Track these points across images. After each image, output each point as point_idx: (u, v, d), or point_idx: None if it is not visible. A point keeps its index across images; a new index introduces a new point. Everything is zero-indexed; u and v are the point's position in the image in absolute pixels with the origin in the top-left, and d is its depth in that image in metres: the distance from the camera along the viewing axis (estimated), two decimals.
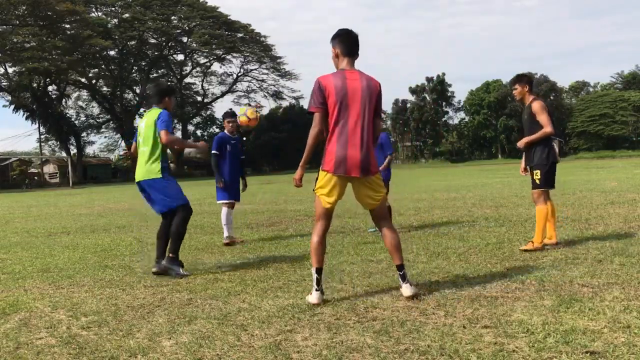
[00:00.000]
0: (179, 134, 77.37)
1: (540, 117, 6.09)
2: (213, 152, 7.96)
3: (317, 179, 4.31)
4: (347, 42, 4.36)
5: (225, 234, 7.86)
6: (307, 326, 3.70)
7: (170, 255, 5.64)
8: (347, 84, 4.20)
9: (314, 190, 4.32)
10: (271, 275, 5.45)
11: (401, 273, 4.28)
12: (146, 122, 5.78)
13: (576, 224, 7.98)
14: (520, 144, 6.25)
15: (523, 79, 6.33)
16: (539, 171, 6.14)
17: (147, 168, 5.71)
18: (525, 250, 5.97)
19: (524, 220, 8.66)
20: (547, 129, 6.07)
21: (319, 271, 4.27)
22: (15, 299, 4.98)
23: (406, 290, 4.21)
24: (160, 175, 5.68)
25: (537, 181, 6.15)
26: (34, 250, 8.21)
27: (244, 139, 76.54)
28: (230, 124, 8.12)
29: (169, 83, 63.69)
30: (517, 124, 67.29)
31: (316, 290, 4.23)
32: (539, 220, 6.08)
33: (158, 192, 5.70)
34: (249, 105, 6.85)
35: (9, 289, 5.46)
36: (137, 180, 5.81)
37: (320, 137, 4.24)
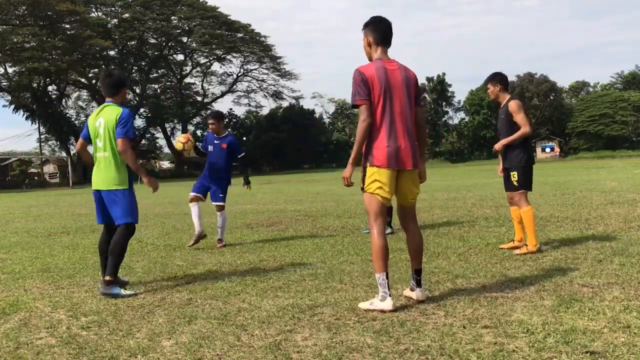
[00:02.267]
0: (178, 134, 77.37)
1: (517, 117, 6.00)
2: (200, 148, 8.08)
3: (364, 176, 4.10)
4: (380, 30, 4.17)
5: (196, 229, 7.60)
6: (307, 326, 3.70)
7: (107, 278, 4.90)
8: (388, 74, 4.04)
9: (363, 189, 4.10)
10: (271, 275, 5.45)
11: (418, 278, 4.17)
12: (105, 123, 5.08)
13: (576, 224, 7.98)
14: (498, 146, 6.11)
15: (495, 77, 6.22)
16: (516, 173, 6.04)
17: (110, 176, 5.06)
18: (520, 254, 5.83)
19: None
20: (526, 128, 5.97)
21: (387, 276, 4.04)
22: (15, 299, 4.98)
23: (419, 294, 4.13)
24: (125, 187, 5.09)
25: (515, 183, 6.06)
26: (34, 250, 8.21)
27: (244, 138, 76.82)
28: (211, 125, 7.93)
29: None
30: None
31: (390, 295, 3.98)
32: (526, 223, 5.97)
33: (118, 205, 5.05)
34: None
35: (9, 289, 5.46)
36: (95, 188, 5.14)
37: (370, 130, 4.04)
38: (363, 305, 4.05)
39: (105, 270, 4.99)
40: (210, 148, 7.84)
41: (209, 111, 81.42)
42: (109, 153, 5.07)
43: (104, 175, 5.09)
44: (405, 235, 4.30)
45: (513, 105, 6.06)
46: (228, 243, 7.96)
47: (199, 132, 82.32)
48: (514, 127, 6.04)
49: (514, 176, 6.06)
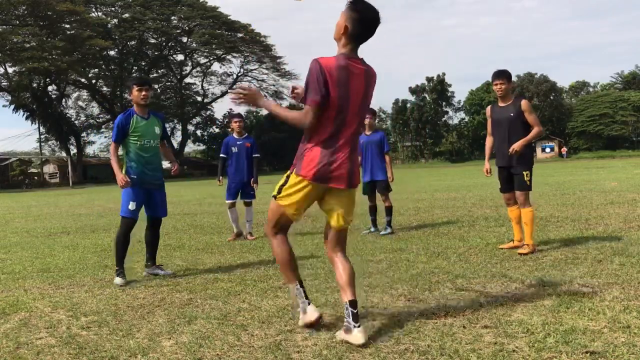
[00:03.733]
0: (178, 134, 77.43)
1: (531, 117, 5.98)
2: (220, 155, 8.65)
3: (284, 183, 3.57)
4: (365, 25, 3.42)
5: (235, 230, 8.50)
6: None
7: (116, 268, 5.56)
8: (349, 77, 3.38)
9: (275, 196, 3.59)
10: (271, 275, 5.45)
11: (355, 311, 3.35)
12: None
13: (576, 224, 7.98)
14: (518, 147, 5.88)
15: (507, 74, 6.13)
16: (528, 172, 6.03)
17: None
18: (524, 254, 5.83)
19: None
20: (540, 128, 5.99)
21: (302, 284, 3.65)
22: (15, 299, 4.97)
23: (359, 335, 3.26)
24: None
25: (528, 182, 6.05)
26: (34, 250, 8.21)
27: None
28: (237, 124, 8.58)
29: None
30: None
31: (310, 303, 3.59)
32: (529, 223, 5.97)
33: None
34: None
35: (9, 289, 5.45)
36: None
37: (301, 128, 3.46)
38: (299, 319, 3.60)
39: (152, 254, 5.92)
40: (234, 149, 8.45)
41: (209, 112, 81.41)
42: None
43: None
44: (332, 265, 3.66)
45: (526, 104, 6.03)
46: (228, 242, 7.98)
47: (198, 132, 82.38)
48: (524, 127, 6.01)
49: (527, 176, 6.04)
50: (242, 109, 77.46)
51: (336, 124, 3.41)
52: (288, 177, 3.55)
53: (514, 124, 6.02)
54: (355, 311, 3.35)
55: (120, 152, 5.70)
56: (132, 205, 5.56)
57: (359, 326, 3.29)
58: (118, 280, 5.39)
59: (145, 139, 5.60)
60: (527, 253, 5.82)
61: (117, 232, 5.67)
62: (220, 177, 8.76)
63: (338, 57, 3.42)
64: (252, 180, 8.59)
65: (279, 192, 3.58)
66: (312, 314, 3.54)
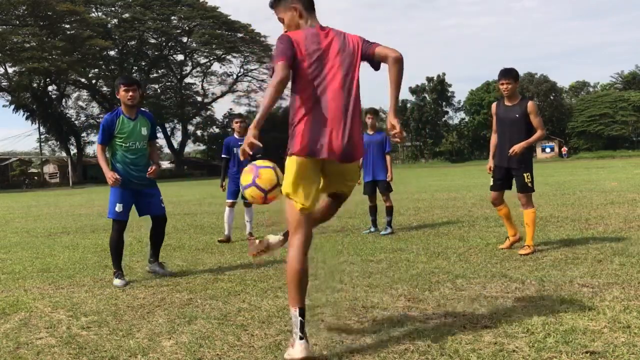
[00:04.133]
0: (179, 134, 77.45)
1: (536, 119, 5.96)
2: (222, 156, 8.58)
3: (282, 173, 3.30)
4: None
5: (225, 232, 8.27)
6: (307, 326, 3.69)
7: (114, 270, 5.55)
8: (321, 44, 3.20)
9: (287, 194, 3.23)
10: (271, 275, 5.45)
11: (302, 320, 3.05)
12: None
13: (576, 224, 7.98)
14: (519, 148, 5.87)
15: (517, 75, 6.08)
16: (529, 174, 6.04)
17: None
18: (525, 254, 5.82)
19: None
20: (543, 131, 6.01)
21: (303, 313, 3.10)
22: (15, 299, 4.97)
23: (298, 349, 2.97)
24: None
25: (529, 184, 6.04)
26: (34, 250, 8.21)
27: None
28: (238, 124, 8.54)
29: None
30: None
31: (300, 337, 3.03)
32: (531, 224, 5.97)
33: None
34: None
35: (9, 289, 5.45)
36: None
37: (283, 87, 3.10)
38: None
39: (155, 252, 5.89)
40: (236, 150, 8.29)
41: (209, 112, 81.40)
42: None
43: None
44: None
45: (533, 106, 5.99)
46: (228, 243, 7.98)
47: (198, 132, 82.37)
48: (528, 128, 5.98)
49: (528, 177, 6.03)
50: (242, 109, 77.30)
51: (316, 94, 3.14)
52: (284, 165, 3.24)
53: (518, 125, 5.98)
54: (302, 319, 3.07)
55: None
56: (118, 207, 5.49)
57: (302, 339, 3.00)
58: (117, 282, 5.38)
59: (130, 140, 5.49)
60: (528, 254, 5.81)
61: (110, 235, 5.63)
62: (224, 183, 8.53)
63: (304, 29, 3.27)
64: None
65: (280, 184, 3.29)
66: (299, 351, 2.98)
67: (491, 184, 6.34)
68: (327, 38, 3.23)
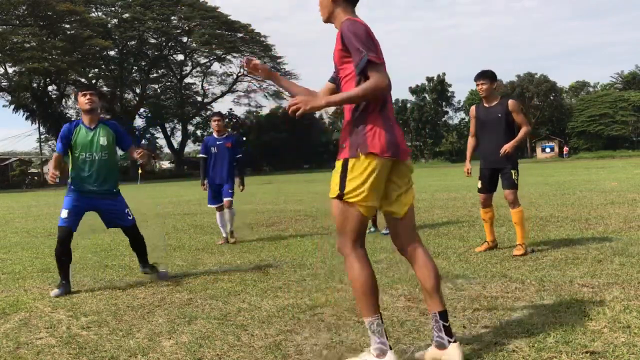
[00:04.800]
0: (179, 134, 77.49)
1: (519, 116, 5.94)
2: (200, 155, 8.28)
3: (343, 174, 2.87)
4: None
5: (223, 234, 8.11)
6: (307, 326, 3.70)
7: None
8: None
9: (340, 195, 2.87)
10: (271, 275, 5.45)
11: (446, 324, 2.89)
12: None
13: (576, 224, 7.98)
14: (510, 148, 5.84)
15: (492, 75, 6.05)
16: (516, 171, 6.02)
17: None
18: (519, 255, 5.76)
19: (524, 220, 8.64)
20: (529, 127, 5.99)
21: (381, 318, 2.90)
22: (15, 299, 4.98)
23: (454, 352, 2.83)
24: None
25: (516, 181, 6.02)
26: (34, 250, 8.21)
27: (244, 138, 76.63)
28: (215, 122, 8.13)
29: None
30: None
31: (390, 348, 2.87)
32: (520, 223, 5.96)
33: None
34: None
35: (9, 289, 5.45)
36: None
37: (381, 95, 2.87)
38: None
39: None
40: (214, 149, 8.01)
41: (209, 112, 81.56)
42: None
43: None
44: (411, 264, 3.11)
45: (513, 105, 5.97)
46: (228, 242, 7.97)
47: (198, 132, 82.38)
48: (511, 127, 5.98)
49: (514, 174, 6.02)
50: (242, 109, 77.38)
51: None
52: (345, 165, 2.85)
53: (502, 124, 5.96)
54: (447, 324, 2.87)
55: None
56: (64, 213, 5.20)
57: (454, 341, 2.85)
58: (54, 292, 5.02)
59: (86, 152, 5.24)
60: (522, 254, 5.78)
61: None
62: (205, 181, 8.15)
63: (358, 18, 2.96)
64: (235, 183, 8.11)
65: (343, 187, 2.84)
66: (390, 358, 2.80)
67: (479, 186, 6.34)
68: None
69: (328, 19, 3.06)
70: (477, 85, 6.13)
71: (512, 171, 6.01)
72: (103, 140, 5.31)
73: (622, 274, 4.69)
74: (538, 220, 8.60)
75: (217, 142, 8.05)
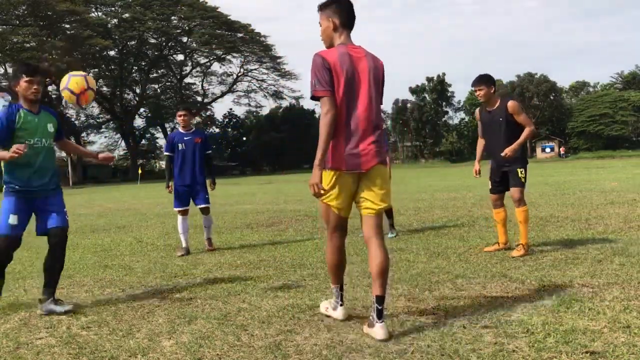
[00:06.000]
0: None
1: (521, 117, 5.90)
2: (165, 153, 7.46)
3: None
4: (345, 9, 3.58)
5: (183, 244, 7.19)
6: (307, 326, 3.70)
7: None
8: (354, 61, 3.48)
9: (320, 197, 3.53)
10: (271, 275, 5.45)
11: (380, 308, 3.40)
12: None
13: (576, 224, 7.98)
14: (511, 152, 5.81)
15: (489, 79, 6.06)
16: (523, 169, 5.99)
17: None
18: (519, 256, 5.72)
19: (528, 220, 8.64)
20: (532, 126, 5.94)
21: (342, 288, 3.87)
22: (15, 299, 4.98)
23: (380, 330, 3.34)
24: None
25: (523, 180, 5.99)
26: (34, 250, 8.20)
27: (244, 138, 76.55)
28: (181, 117, 7.31)
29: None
30: None
31: (342, 305, 3.83)
32: (524, 222, 5.92)
33: None
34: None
35: (9, 289, 5.45)
36: None
37: (335, 121, 3.42)
38: (322, 305, 3.99)
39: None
40: (181, 146, 7.22)
41: (209, 112, 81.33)
42: None
43: None
44: (368, 249, 3.59)
45: (514, 106, 5.92)
46: (228, 243, 7.97)
47: None
48: (514, 128, 5.94)
49: (522, 172, 5.98)
50: (242, 109, 77.38)
51: (349, 110, 3.48)
52: (322, 176, 3.50)
53: (505, 127, 5.95)
54: (380, 308, 3.39)
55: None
56: (12, 219, 4.39)
57: (381, 322, 3.38)
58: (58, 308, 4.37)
59: (36, 137, 4.45)
60: (522, 255, 5.73)
61: None
62: (170, 183, 7.37)
63: (337, 46, 3.56)
64: (206, 181, 7.40)
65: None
66: (338, 314, 3.81)
67: (490, 186, 6.33)
68: (358, 56, 3.54)
69: (330, 46, 3.64)
70: (475, 91, 6.15)
71: (519, 170, 5.97)
72: (50, 127, 4.59)
73: (622, 274, 4.69)
74: (538, 220, 8.59)
75: (185, 138, 7.25)
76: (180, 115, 7.33)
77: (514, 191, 6.01)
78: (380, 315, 3.39)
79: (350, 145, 3.46)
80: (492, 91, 6.04)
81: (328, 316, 3.88)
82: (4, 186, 4.41)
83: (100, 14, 71.01)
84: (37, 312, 4.39)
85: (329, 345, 3.31)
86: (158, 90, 78.74)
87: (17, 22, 61.25)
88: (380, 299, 3.42)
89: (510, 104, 5.95)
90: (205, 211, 7.38)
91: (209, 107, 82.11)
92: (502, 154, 5.86)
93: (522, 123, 5.94)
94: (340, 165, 3.47)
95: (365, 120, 3.49)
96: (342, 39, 3.58)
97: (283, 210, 13.24)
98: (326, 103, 3.41)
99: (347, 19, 3.58)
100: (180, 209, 7.30)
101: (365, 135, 3.49)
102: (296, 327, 3.69)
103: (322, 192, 3.42)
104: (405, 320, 3.70)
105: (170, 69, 78.20)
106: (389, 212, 8.24)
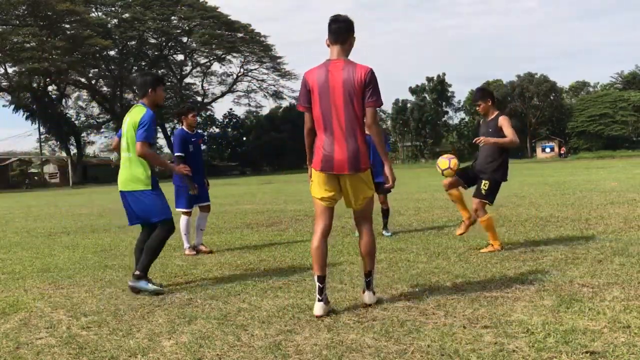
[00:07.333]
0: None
1: (508, 130, 6.13)
2: (177, 154, 7.10)
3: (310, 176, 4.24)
4: (330, 29, 4.12)
5: (185, 244, 7.17)
6: (307, 326, 3.70)
7: (137, 273, 4.91)
8: (328, 76, 4.00)
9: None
10: (271, 275, 5.45)
11: (368, 280, 4.19)
12: (129, 123, 5.03)
13: (576, 224, 7.98)
14: (485, 140, 6.07)
15: (486, 94, 6.38)
16: (488, 183, 6.21)
17: (131, 177, 5.01)
18: (489, 252, 6.07)
19: (524, 220, 8.66)
20: (515, 138, 6.13)
21: (323, 280, 4.02)
22: (15, 299, 4.98)
23: (367, 297, 4.15)
24: (146, 187, 5.00)
25: (484, 192, 6.23)
26: (34, 250, 8.21)
27: (244, 138, 76.62)
28: (194, 118, 7.37)
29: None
30: (517, 123, 66.98)
31: (319, 300, 3.95)
32: (487, 229, 6.24)
33: (140, 205, 5.03)
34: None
35: (9, 289, 5.45)
36: (120, 189, 5.13)
37: (313, 135, 4.15)
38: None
39: (137, 264, 5.00)
40: (191, 147, 7.19)
41: (209, 112, 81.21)
42: (131, 153, 5.01)
43: (126, 175, 5.05)
44: (359, 234, 4.26)
45: (503, 120, 6.20)
46: (228, 243, 7.97)
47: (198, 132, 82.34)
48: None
49: (485, 185, 6.24)
50: (242, 109, 77.42)
51: (324, 117, 4.05)
52: (311, 172, 4.21)
53: (493, 137, 6.17)
54: (367, 280, 4.18)
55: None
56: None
57: (370, 290, 4.18)
58: (152, 286, 4.87)
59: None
60: (491, 251, 6.05)
61: (161, 235, 5.04)
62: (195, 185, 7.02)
63: (322, 63, 4.12)
64: (205, 181, 7.43)
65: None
66: (316, 309, 3.94)
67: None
68: (335, 71, 4.02)
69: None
70: (475, 107, 6.57)
71: (484, 181, 6.23)
72: None
73: (622, 274, 4.69)
74: (538, 220, 8.60)
75: (192, 139, 7.26)
76: (194, 116, 7.38)
77: (473, 201, 6.32)
78: (369, 285, 4.18)
79: (326, 151, 4.03)
80: (489, 104, 6.34)
81: (328, 315, 3.91)
82: (151, 178, 5.05)
83: (100, 14, 70.97)
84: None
85: (329, 345, 3.31)
86: None
87: (17, 22, 61.24)
88: (368, 273, 4.18)
89: (502, 117, 6.26)
90: (207, 209, 7.45)
91: (209, 107, 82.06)
92: (477, 140, 6.16)
93: (507, 134, 6.13)
94: (316, 166, 4.09)
95: (339, 128, 4.00)
96: (333, 54, 4.12)
97: (283, 210, 13.24)
98: (305, 117, 4.17)
99: (332, 38, 4.12)
100: (186, 210, 7.22)
101: (340, 142, 4.00)
102: (296, 327, 3.69)
103: (310, 184, 4.16)
104: (405, 320, 3.70)
105: (170, 69, 78.15)
106: (385, 212, 8.24)
